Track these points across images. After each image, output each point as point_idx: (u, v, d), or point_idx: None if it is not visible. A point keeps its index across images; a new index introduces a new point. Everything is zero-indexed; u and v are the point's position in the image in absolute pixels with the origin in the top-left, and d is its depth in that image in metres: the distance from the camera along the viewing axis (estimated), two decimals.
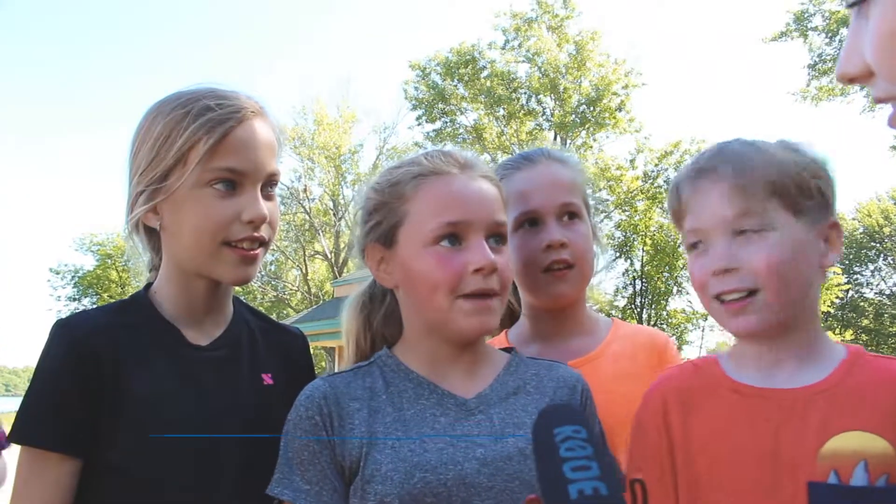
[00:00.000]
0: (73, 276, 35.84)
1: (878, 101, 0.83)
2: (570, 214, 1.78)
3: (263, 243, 1.54)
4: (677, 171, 1.47)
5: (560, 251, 1.73)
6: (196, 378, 1.51)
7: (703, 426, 1.39)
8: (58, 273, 35.91)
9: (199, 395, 1.50)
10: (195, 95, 1.51)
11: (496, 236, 1.43)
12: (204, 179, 1.46)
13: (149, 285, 1.62)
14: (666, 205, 1.56)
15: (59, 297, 35.54)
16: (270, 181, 1.55)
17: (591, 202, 1.90)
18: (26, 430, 1.41)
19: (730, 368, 1.45)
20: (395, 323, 1.55)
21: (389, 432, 1.36)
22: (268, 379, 1.60)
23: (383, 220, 1.46)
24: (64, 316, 1.55)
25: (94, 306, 1.86)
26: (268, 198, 1.54)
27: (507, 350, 1.58)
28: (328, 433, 1.37)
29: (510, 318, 2.01)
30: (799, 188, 1.37)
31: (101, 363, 1.43)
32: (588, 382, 1.59)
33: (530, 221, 1.77)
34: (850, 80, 0.86)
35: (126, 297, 1.64)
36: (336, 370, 1.69)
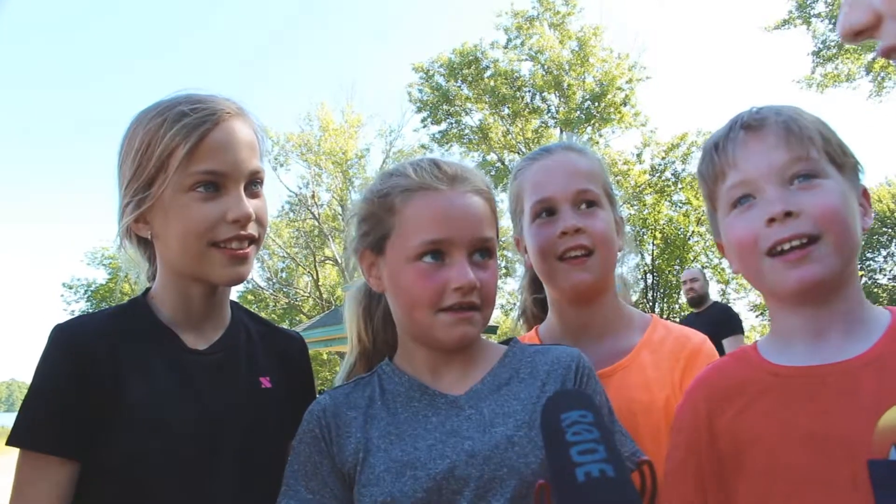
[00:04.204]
0: (85, 291, 35.93)
1: (888, 50, 0.79)
2: (589, 203, 1.73)
3: (253, 241, 1.55)
4: (708, 140, 1.46)
5: (576, 237, 1.69)
6: (194, 381, 1.52)
7: (749, 417, 1.32)
8: (70, 288, 36.02)
9: (198, 399, 1.50)
10: (171, 103, 1.53)
11: (482, 251, 1.44)
12: (186, 184, 1.47)
13: (147, 290, 1.63)
14: (699, 169, 1.49)
15: (72, 311, 35.55)
16: (254, 179, 1.56)
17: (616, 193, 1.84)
18: (25, 432, 1.41)
19: (769, 352, 1.38)
20: (394, 329, 1.57)
21: (383, 437, 1.39)
22: (266, 382, 1.61)
23: (372, 230, 1.49)
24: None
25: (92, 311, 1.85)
26: (253, 196, 1.55)
27: (508, 341, 1.58)
28: (326, 444, 1.41)
29: (535, 316, 2.00)
30: (839, 144, 1.34)
31: (99, 366, 1.44)
32: (617, 391, 1.58)
33: (547, 211, 1.74)
34: (857, 35, 0.82)
35: (125, 302, 1.64)
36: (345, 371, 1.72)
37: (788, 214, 1.26)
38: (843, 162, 1.34)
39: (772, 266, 1.29)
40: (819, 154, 1.31)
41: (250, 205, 1.52)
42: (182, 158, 1.46)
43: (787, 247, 1.27)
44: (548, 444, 1.02)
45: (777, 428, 1.27)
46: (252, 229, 1.53)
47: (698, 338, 1.80)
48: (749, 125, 1.36)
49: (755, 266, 1.33)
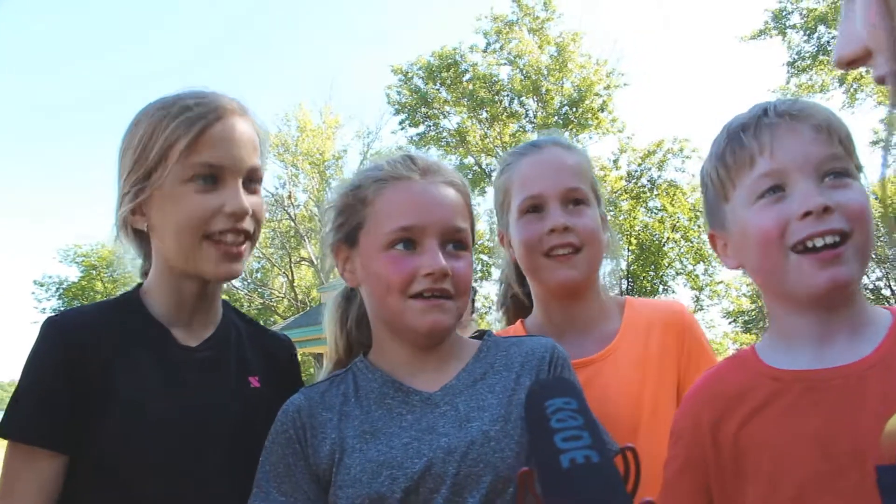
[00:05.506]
0: (57, 288, 35.45)
1: (879, 79, 0.81)
2: (577, 201, 1.73)
3: (248, 237, 1.56)
4: (731, 120, 1.38)
5: (564, 235, 1.68)
6: (184, 378, 1.52)
7: (754, 425, 1.29)
8: (42, 285, 35.52)
9: (187, 396, 1.50)
10: (175, 98, 1.55)
11: (455, 242, 1.44)
12: (185, 176, 1.48)
13: (139, 285, 1.63)
14: (720, 151, 1.35)
15: (43, 309, 35.10)
16: (252, 176, 1.57)
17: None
18: (15, 425, 1.42)
19: (769, 356, 1.34)
20: (368, 328, 1.57)
21: (358, 436, 1.37)
22: (255, 382, 1.62)
23: (346, 222, 1.50)
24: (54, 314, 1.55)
25: (84, 304, 1.85)
26: (251, 192, 1.56)
27: (483, 335, 1.57)
28: (301, 445, 1.39)
29: (519, 308, 1.99)
30: (853, 150, 1.31)
31: (89, 361, 1.44)
32: (600, 380, 1.62)
33: (535, 207, 1.73)
34: (849, 64, 0.85)
35: (117, 296, 1.65)
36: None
37: (826, 210, 1.21)
38: (859, 166, 1.31)
39: (797, 263, 1.24)
40: (849, 154, 1.28)
41: (248, 201, 1.53)
42: (182, 150, 1.47)
43: (819, 243, 1.21)
44: (532, 430, 1.02)
45: (782, 434, 1.25)
46: (247, 225, 1.54)
47: (677, 304, 1.86)
48: (788, 114, 1.30)
49: (775, 262, 1.27)
